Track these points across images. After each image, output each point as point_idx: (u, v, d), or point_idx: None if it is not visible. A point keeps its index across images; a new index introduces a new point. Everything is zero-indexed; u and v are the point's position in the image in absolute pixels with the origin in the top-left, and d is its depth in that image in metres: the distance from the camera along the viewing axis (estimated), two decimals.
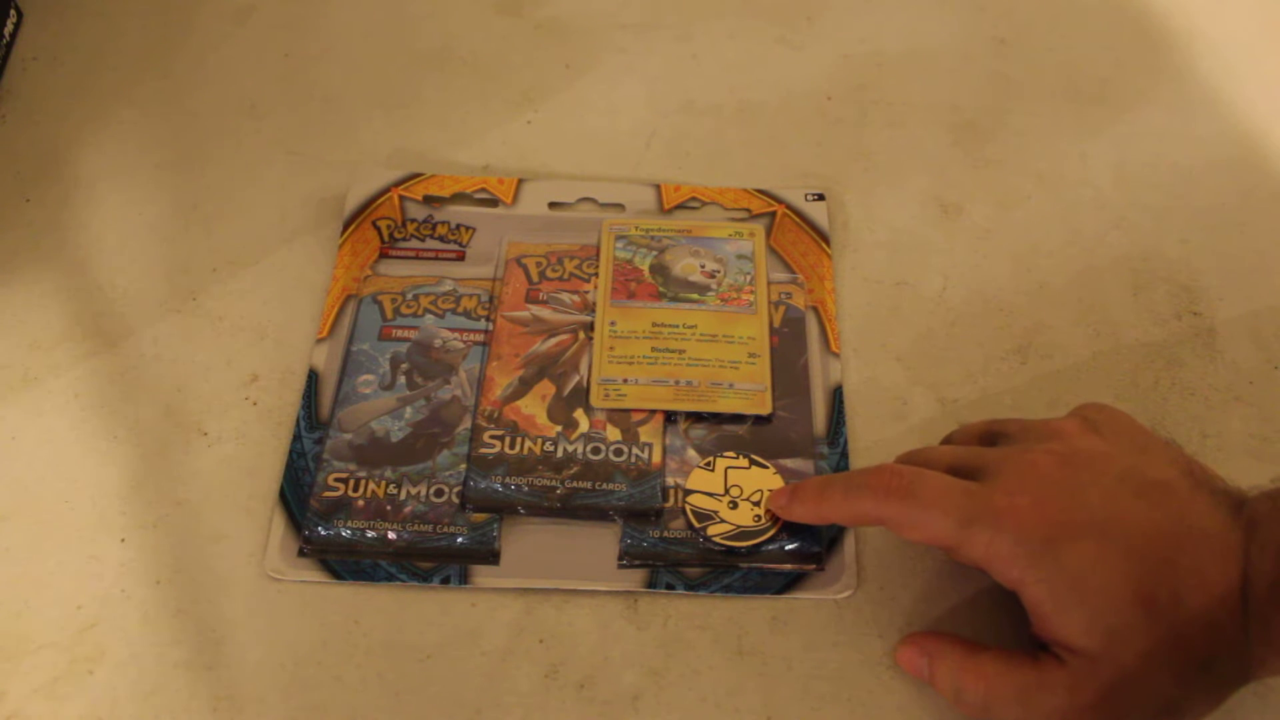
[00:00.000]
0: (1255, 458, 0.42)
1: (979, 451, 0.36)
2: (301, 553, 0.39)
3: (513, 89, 0.53)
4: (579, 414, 0.42)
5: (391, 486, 0.40)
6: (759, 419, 0.42)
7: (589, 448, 0.41)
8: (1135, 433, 0.36)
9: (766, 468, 0.40)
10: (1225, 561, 0.32)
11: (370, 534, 0.39)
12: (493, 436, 0.41)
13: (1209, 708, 0.33)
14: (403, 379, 0.43)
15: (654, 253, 0.47)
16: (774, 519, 0.39)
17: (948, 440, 0.40)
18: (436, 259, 0.47)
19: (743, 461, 0.41)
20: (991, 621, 0.38)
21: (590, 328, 0.44)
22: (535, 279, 0.46)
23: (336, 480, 0.40)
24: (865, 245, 0.48)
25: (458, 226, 0.48)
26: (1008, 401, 0.43)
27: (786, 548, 0.39)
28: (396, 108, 0.53)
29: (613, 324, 0.44)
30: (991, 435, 0.38)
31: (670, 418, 0.42)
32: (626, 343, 0.44)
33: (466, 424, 0.41)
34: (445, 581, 0.38)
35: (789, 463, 0.41)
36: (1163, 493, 0.33)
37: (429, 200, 0.48)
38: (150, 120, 0.52)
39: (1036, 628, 0.33)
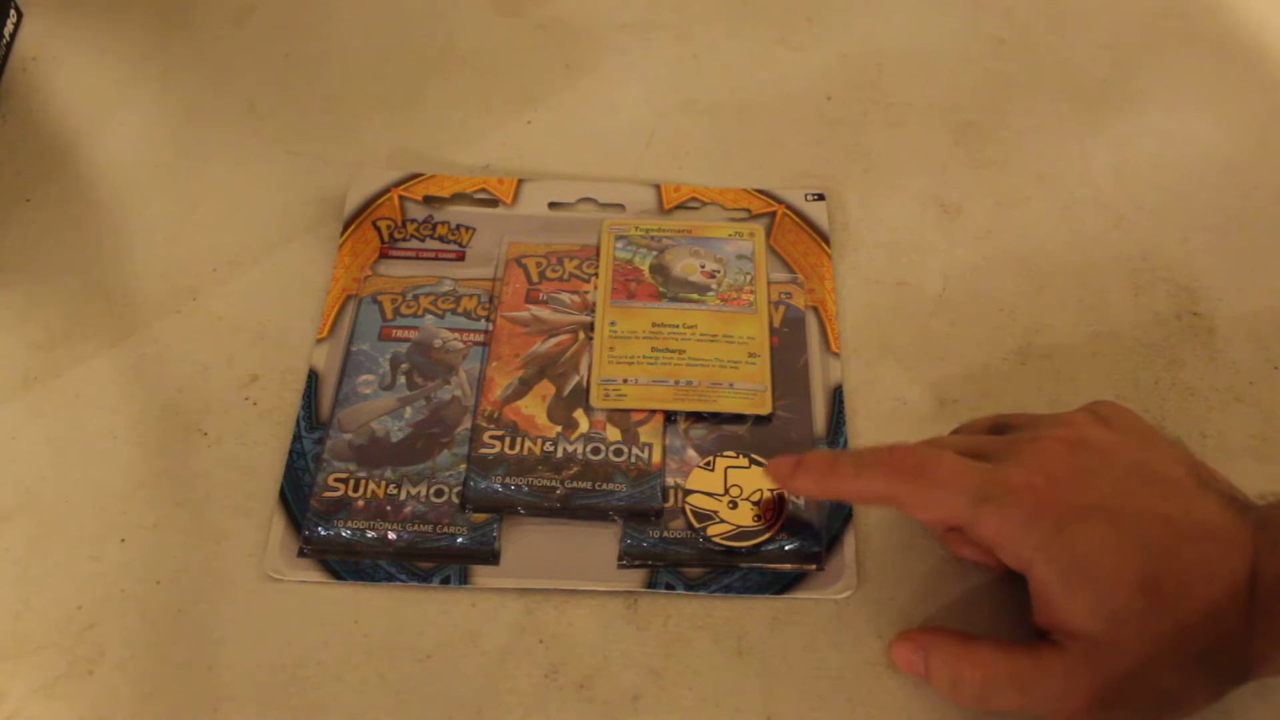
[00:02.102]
0: (1255, 458, 0.42)
1: (989, 439, 0.37)
2: (301, 553, 0.39)
3: (513, 89, 0.53)
4: (579, 414, 0.42)
5: (391, 487, 0.40)
6: (759, 419, 0.42)
7: (589, 448, 0.41)
8: (1143, 429, 0.36)
9: (766, 467, 0.40)
10: (1232, 557, 0.32)
11: (370, 534, 0.39)
12: (493, 437, 0.41)
13: (1206, 701, 0.33)
14: (403, 379, 0.43)
15: (654, 253, 0.47)
16: (774, 519, 0.39)
17: (955, 434, 0.40)
18: (436, 259, 0.47)
19: (743, 461, 0.41)
20: (991, 621, 0.38)
21: (590, 328, 0.44)
22: (535, 279, 0.46)
23: (336, 480, 0.40)
24: (865, 245, 0.48)
25: (458, 226, 0.48)
26: (1008, 401, 0.43)
27: (786, 548, 0.39)
28: (396, 108, 0.53)
29: (613, 324, 0.44)
30: (999, 427, 0.38)
31: (670, 418, 0.42)
32: (626, 343, 0.44)
33: (466, 424, 0.41)
34: (445, 581, 0.38)
35: None
36: (1171, 487, 0.33)
37: (429, 200, 0.48)
38: (150, 120, 0.52)
39: (1039, 613, 0.33)
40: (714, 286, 0.46)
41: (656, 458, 0.41)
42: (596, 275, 0.46)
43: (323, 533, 0.39)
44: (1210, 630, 0.31)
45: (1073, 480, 0.33)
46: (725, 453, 0.41)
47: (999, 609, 0.38)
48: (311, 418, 0.42)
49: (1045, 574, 0.33)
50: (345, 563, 0.39)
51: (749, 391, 0.42)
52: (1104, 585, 0.32)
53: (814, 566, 0.39)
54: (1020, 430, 0.37)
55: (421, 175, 0.49)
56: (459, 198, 0.49)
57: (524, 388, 0.42)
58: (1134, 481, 0.33)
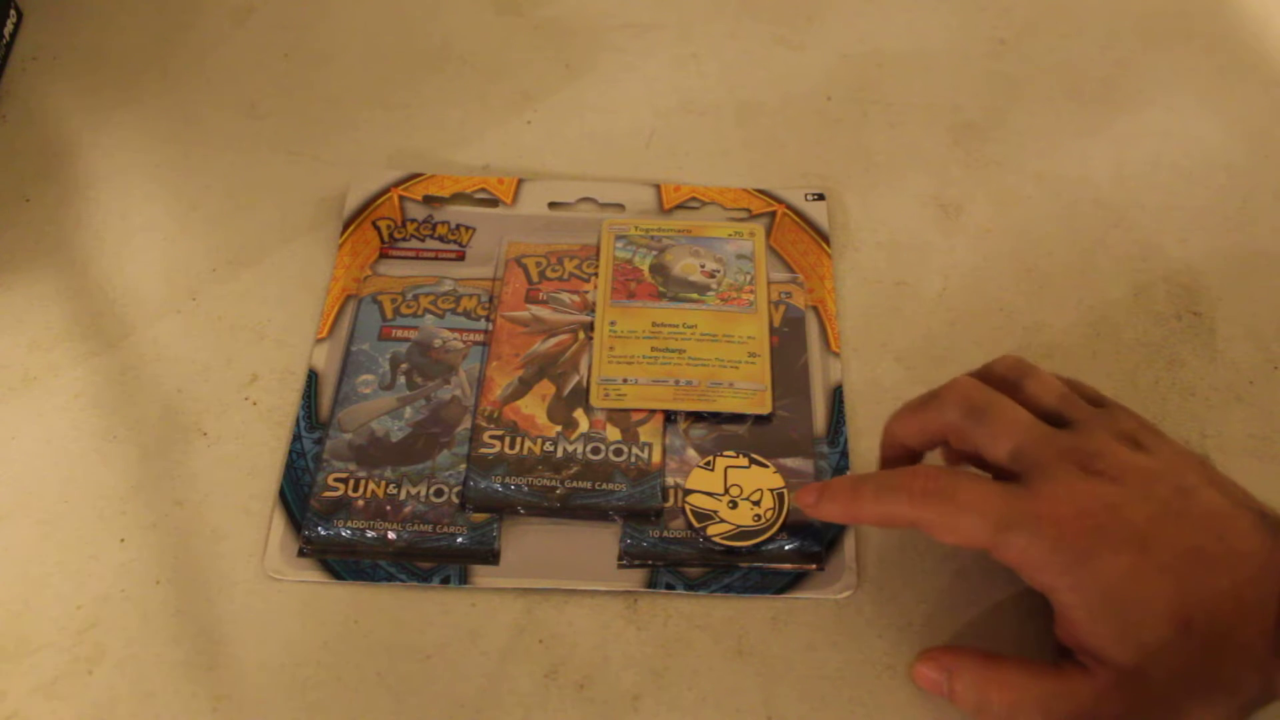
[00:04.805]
0: (1255, 458, 0.42)
1: (1051, 432, 0.34)
2: (301, 553, 0.39)
3: (513, 89, 0.53)
4: (579, 414, 0.42)
5: (391, 486, 0.40)
6: (759, 418, 0.42)
7: (589, 448, 0.41)
8: (1171, 449, 0.35)
9: (766, 467, 0.40)
10: (1263, 582, 0.31)
11: (370, 534, 0.39)
12: (492, 436, 0.41)
13: None
14: (402, 379, 0.43)
15: (654, 253, 0.47)
16: (774, 518, 0.39)
17: (986, 368, 0.38)
18: (436, 259, 0.47)
19: (743, 461, 0.41)
20: (993, 620, 0.38)
21: (590, 328, 0.44)
22: (535, 279, 0.46)
23: (336, 480, 0.40)
24: (865, 245, 0.48)
25: (458, 226, 0.48)
26: None
27: (786, 547, 0.39)
28: (396, 108, 0.53)
29: (613, 324, 0.44)
30: (1012, 385, 0.36)
31: (670, 417, 0.42)
32: (626, 342, 0.44)
33: (466, 424, 0.41)
34: (445, 581, 0.38)
35: (789, 462, 0.41)
36: (1203, 513, 0.33)
37: (429, 200, 0.48)
38: (150, 120, 0.52)
39: (1063, 633, 0.33)
40: (714, 286, 0.46)
41: (656, 457, 0.41)
42: (596, 275, 0.46)
43: (323, 533, 0.39)
44: (1238, 661, 0.31)
45: (1103, 509, 0.32)
46: (725, 452, 0.41)
47: (1002, 608, 0.38)
48: (311, 418, 0.42)
49: (1068, 600, 0.32)
50: (345, 562, 0.39)
51: (749, 391, 0.42)
52: (1133, 617, 0.31)
53: (814, 566, 0.39)
54: (1074, 426, 0.35)
55: (421, 175, 0.49)
56: (459, 198, 0.49)
57: (524, 387, 0.42)
58: (1165, 509, 0.32)
